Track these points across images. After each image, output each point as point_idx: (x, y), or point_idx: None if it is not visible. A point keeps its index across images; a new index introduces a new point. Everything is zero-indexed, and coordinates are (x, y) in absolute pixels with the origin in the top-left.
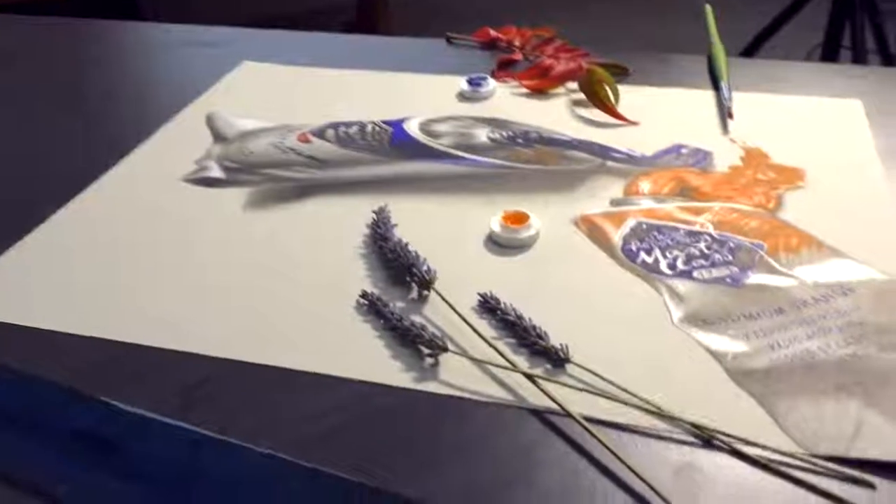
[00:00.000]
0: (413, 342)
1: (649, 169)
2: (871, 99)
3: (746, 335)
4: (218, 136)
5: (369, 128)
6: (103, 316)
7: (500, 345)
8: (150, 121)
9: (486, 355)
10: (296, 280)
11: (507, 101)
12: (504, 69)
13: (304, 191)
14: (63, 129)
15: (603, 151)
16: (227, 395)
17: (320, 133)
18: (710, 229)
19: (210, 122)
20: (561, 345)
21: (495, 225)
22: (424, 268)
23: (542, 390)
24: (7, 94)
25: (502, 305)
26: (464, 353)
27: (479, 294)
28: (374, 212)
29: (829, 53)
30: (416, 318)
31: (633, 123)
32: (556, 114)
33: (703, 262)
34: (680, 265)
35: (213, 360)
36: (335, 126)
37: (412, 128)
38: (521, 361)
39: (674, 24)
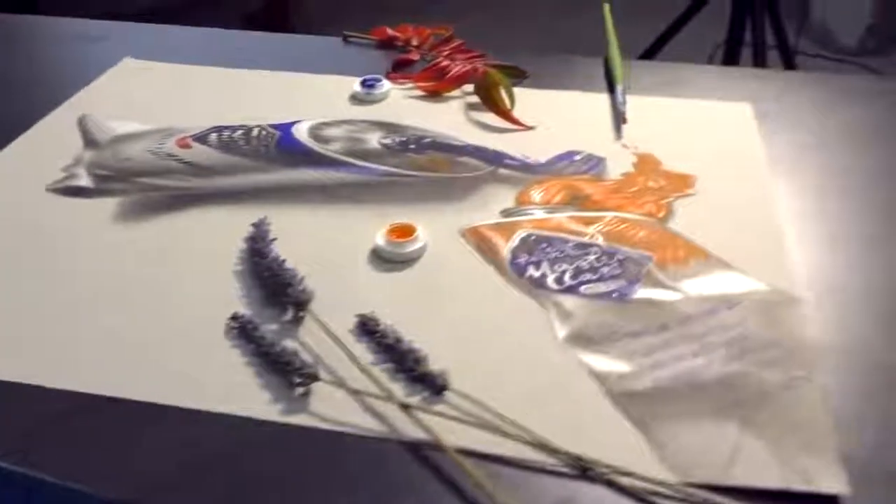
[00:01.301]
0: (283, 370)
1: (542, 177)
2: (766, 102)
3: (630, 354)
4: (90, 141)
5: (255, 132)
6: None
7: (378, 370)
8: (20, 123)
9: (362, 383)
10: (163, 301)
11: (401, 103)
12: (399, 70)
13: (181, 201)
14: None
15: (497, 158)
16: (76, 433)
17: (202, 138)
18: (600, 241)
19: (82, 125)
20: (440, 370)
21: (380, 239)
22: (300, 287)
23: (416, 421)
24: None
25: (381, 327)
26: (336, 383)
27: (358, 315)
28: (252, 225)
29: (732, 52)
30: (290, 343)
31: (528, 128)
32: (452, 117)
33: (591, 276)
34: (568, 279)
35: (61, 394)
36: (219, 130)
37: (301, 132)
38: (399, 389)
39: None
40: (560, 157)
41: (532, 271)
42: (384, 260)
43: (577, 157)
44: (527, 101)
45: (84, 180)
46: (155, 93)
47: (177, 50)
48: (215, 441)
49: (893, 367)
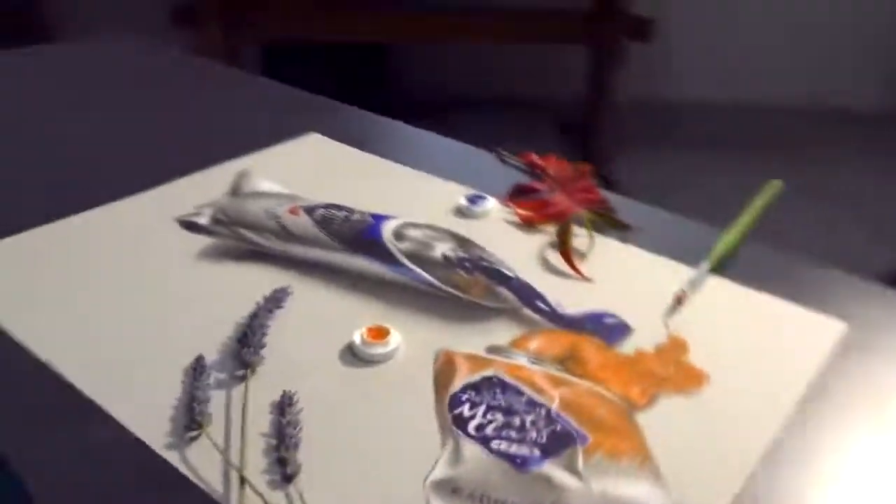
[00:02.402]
0: (187, 413)
1: (558, 328)
2: (886, 332)
3: None
4: (234, 191)
5: (356, 216)
6: None
7: (262, 441)
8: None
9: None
10: (169, 327)
11: (493, 225)
12: (518, 195)
13: (258, 256)
14: (136, 145)
15: (529, 298)
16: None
17: (311, 210)
18: (554, 406)
19: (238, 176)
20: (296, 461)
21: (356, 335)
22: (254, 351)
23: (241, 496)
24: (112, 105)
25: (291, 408)
26: (212, 441)
27: (284, 391)
28: (273, 290)
29: None
30: (211, 393)
31: (585, 279)
32: (528, 250)
33: (513, 434)
34: (489, 430)
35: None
36: (329, 207)
37: (388, 227)
38: (261, 464)
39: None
40: (589, 315)
41: (465, 410)
42: (352, 355)
43: (608, 321)
44: (611, 253)
45: (203, 219)
46: (315, 166)
47: (378, 139)
48: (106, 448)
49: None
